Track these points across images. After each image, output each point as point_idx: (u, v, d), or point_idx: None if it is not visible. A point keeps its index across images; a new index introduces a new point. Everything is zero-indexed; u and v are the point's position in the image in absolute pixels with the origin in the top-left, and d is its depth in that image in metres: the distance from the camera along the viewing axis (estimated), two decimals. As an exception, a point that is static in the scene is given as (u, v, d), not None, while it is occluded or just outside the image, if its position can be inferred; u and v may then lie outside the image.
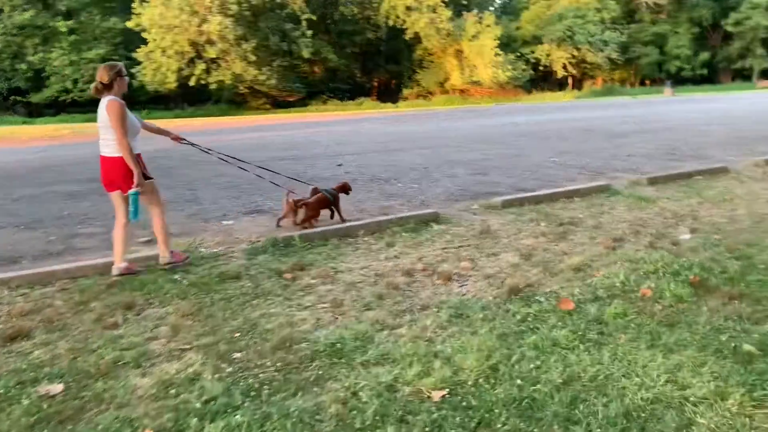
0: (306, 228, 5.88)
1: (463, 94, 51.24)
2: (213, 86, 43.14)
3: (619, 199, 7.03)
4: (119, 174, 4.63)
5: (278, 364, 3.16)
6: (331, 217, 6.37)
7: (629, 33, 58.06)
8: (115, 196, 4.75)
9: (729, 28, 60.04)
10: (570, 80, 58.27)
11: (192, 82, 42.47)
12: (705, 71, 61.03)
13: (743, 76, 62.89)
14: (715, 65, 63.10)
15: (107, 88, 4.59)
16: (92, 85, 4.64)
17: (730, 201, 6.70)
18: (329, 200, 6.27)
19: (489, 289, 4.22)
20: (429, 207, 7.03)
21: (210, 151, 5.88)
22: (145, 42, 41.65)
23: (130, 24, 41.33)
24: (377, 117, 31.47)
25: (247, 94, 45.29)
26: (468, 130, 18.49)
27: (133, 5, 41.42)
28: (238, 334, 3.57)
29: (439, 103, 47.96)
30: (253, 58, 42.32)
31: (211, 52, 41.91)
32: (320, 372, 3.06)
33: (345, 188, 6.53)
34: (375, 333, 3.49)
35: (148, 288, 4.46)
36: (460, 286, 4.31)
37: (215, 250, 5.44)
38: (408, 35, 49.99)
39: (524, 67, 53.29)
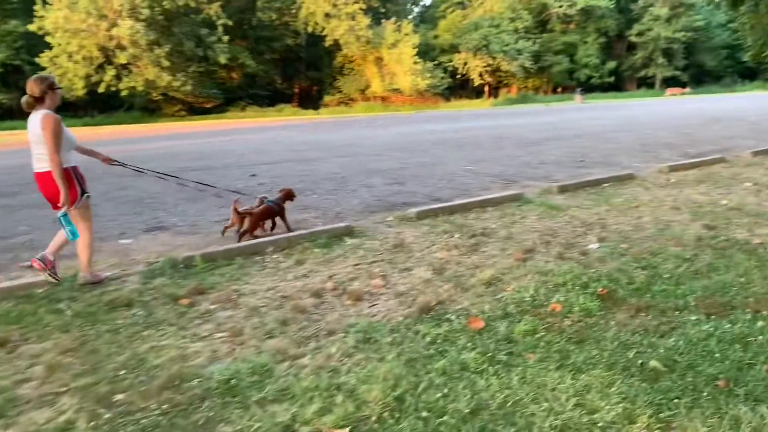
0: (248, 239, 5.79)
1: (384, 101, 51.51)
2: (124, 93, 41.39)
3: (530, 208, 7.06)
4: (51, 190, 4.51)
5: (164, 407, 2.86)
6: (272, 228, 6.27)
7: (541, 42, 60.22)
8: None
9: (633, 39, 63.43)
10: (486, 88, 59.68)
11: (101, 89, 40.60)
12: (612, 79, 64.06)
13: (647, 83, 66.45)
14: (621, 74, 66.38)
15: (39, 101, 4.49)
16: (23, 99, 4.50)
17: (636, 208, 6.84)
18: (274, 210, 6.24)
19: (400, 308, 4.05)
20: (344, 220, 6.83)
21: (142, 170, 5.80)
22: (49, 46, 39.46)
23: (32, 27, 39.04)
24: (297, 124, 31.05)
25: (161, 100, 43.72)
26: (387, 138, 18.45)
27: (35, 8, 39.15)
28: (122, 372, 3.23)
29: (360, 110, 47.98)
30: (166, 63, 40.91)
31: (122, 58, 40.21)
32: (211, 414, 2.78)
33: (289, 195, 6.49)
34: (275, 365, 3.23)
35: (27, 320, 4.02)
36: (371, 306, 4.12)
37: (108, 274, 5.02)
38: (328, 42, 49.80)
39: (442, 75, 54.15)
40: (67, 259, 5.28)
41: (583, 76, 62.33)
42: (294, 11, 50.33)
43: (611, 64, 63.44)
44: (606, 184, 8.47)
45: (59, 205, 4.49)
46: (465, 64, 56.15)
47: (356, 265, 5.04)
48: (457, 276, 4.66)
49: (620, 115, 26.82)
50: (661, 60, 62.93)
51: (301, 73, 55.48)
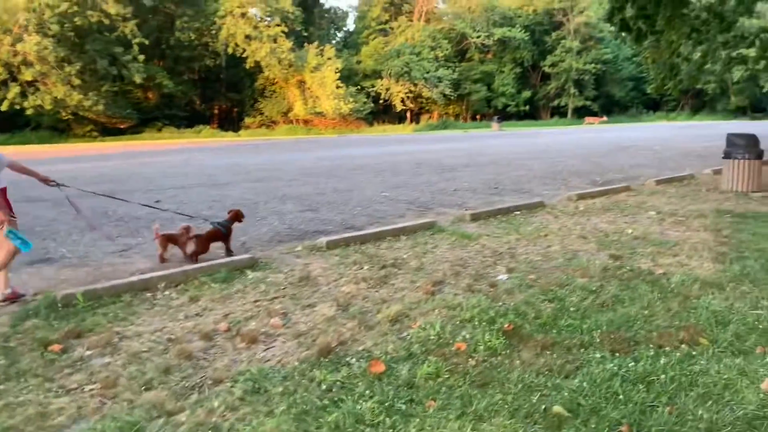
0: (195, 262, 5.76)
1: (307, 124, 51.17)
2: (30, 111, 39.11)
3: (443, 236, 6.96)
4: None
5: (7, 482, 2.45)
6: (226, 252, 6.22)
7: (461, 71, 61.76)
8: None
9: (546, 69, 66.06)
10: (408, 114, 60.45)
11: (4, 107, 38.19)
12: (527, 108, 66.37)
13: (560, 112, 69.25)
14: (536, 102, 68.90)
15: None
16: None
17: (545, 237, 6.86)
18: (222, 233, 6.24)
19: (297, 350, 3.76)
20: (249, 250, 6.48)
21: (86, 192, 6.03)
22: (-54, 60, 36.91)
23: (-74, 39, 36.42)
24: (215, 146, 30.23)
25: (71, 120, 41.59)
26: (306, 162, 18.16)
27: (-70, 18, 36.59)
28: (-36, 439, 2.78)
29: (282, 132, 47.42)
30: (77, 81, 39.03)
31: (27, 74, 38.04)
32: (62, 489, 2.40)
33: (237, 217, 6.50)
34: (148, 423, 2.87)
35: None
36: (266, 349, 3.81)
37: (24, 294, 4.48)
38: (249, 64, 49.06)
39: (365, 99, 54.39)
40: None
41: (500, 104, 64.19)
42: (214, 32, 49.40)
43: (526, 94, 65.70)
44: (517, 212, 8.52)
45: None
46: (387, 89, 56.70)
47: (256, 301, 4.72)
48: (363, 312, 4.43)
49: (534, 142, 27.65)
50: (573, 90, 65.77)
51: (221, 94, 54.36)
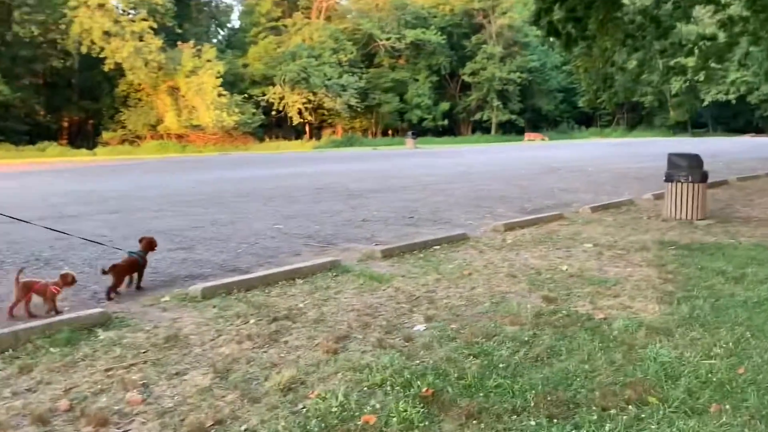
0: (111, 298, 6.18)
1: (182, 140, 50.20)
2: None
3: (349, 278, 6.88)
4: None
5: None
6: (137, 285, 6.66)
7: (369, 78, 62.76)
8: None
9: (466, 78, 68.34)
10: (307, 128, 60.67)
11: None
12: (445, 122, 68.21)
13: (482, 128, 71.67)
14: (456, 116, 71.07)
15: None
16: None
17: (469, 276, 6.92)
18: (139, 263, 6.67)
19: (160, 434, 3.51)
20: (100, 302, 6.11)
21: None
22: None
23: None
24: (64, 168, 28.92)
25: None
26: (179, 187, 17.66)
27: None
28: None
29: (150, 150, 46.15)
30: None
31: None
32: None
33: (152, 245, 6.90)
34: None
35: None
36: (119, 434, 3.53)
37: None
38: (108, 66, 47.65)
39: (254, 110, 54.15)
40: None
41: (415, 118, 65.75)
42: (63, 26, 47.66)
43: (444, 106, 67.69)
44: (436, 247, 8.59)
45: None
46: (281, 99, 56.69)
47: (108, 370, 4.40)
48: (247, 380, 4.23)
49: (454, 162, 28.33)
50: (496, 102, 68.41)
51: (72, 103, 52.37)
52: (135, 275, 6.71)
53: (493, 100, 68.35)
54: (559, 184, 17.30)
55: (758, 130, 74.45)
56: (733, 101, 65.14)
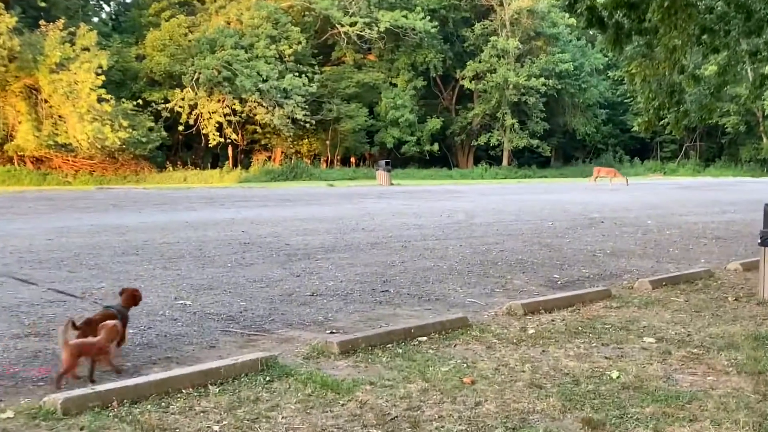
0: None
1: (42, 165, 49.87)
2: None
3: (289, 386, 6.73)
4: None
5: None
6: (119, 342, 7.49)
7: (323, 80, 62.82)
8: None
9: (467, 84, 69.09)
10: (231, 151, 60.56)
11: None
12: (436, 147, 68.33)
13: (490, 156, 72.17)
14: (450, 139, 71.48)
15: None
16: None
17: (472, 386, 6.78)
18: (118, 318, 7.50)
19: None
20: None
21: None
22: None
23: None
24: None
25: None
26: (33, 238, 17.39)
27: None
28: None
29: (-9, 180, 45.80)
30: None
31: None
32: None
33: (135, 299, 7.99)
34: None
35: None
36: None
37: None
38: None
39: (151, 124, 53.79)
40: None
41: (391, 140, 65.91)
42: None
43: (435, 123, 67.88)
44: (422, 338, 8.47)
45: None
46: (193, 108, 56.46)
47: None
48: None
49: (448, 208, 28.31)
50: (510, 120, 68.78)
51: None
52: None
53: (505, 116, 68.81)
54: (604, 245, 17.28)
55: None
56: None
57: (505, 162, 71.52)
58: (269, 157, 62.40)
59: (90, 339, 7.06)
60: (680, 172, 75.95)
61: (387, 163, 51.79)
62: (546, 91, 68.30)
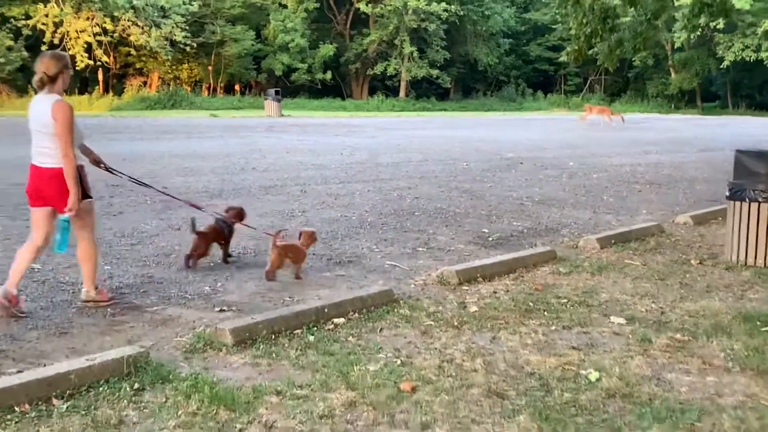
0: (191, 267, 9.15)
1: None
2: None
3: (165, 400, 5.46)
4: (56, 189, 7.05)
5: None
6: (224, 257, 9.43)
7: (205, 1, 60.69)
8: (40, 214, 7.25)
9: (363, 8, 67.36)
10: (101, 75, 58.16)
11: None
12: (329, 76, 66.88)
13: (387, 87, 70.99)
14: (345, 67, 69.95)
15: (51, 81, 7.06)
16: (35, 78, 7.03)
17: (412, 398, 5.52)
18: (223, 233, 9.31)
19: None
20: None
21: (139, 182, 9.22)
22: None
23: None
24: None
25: None
26: None
27: None
28: None
29: None
30: None
31: None
32: None
33: (240, 215, 9.52)
34: None
35: None
36: None
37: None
38: None
39: (11, 43, 51.45)
40: None
41: (280, 68, 64.51)
42: None
43: (328, 50, 66.31)
44: (339, 319, 7.28)
45: (66, 209, 6.98)
46: (58, 25, 53.94)
47: None
48: None
49: (350, 144, 27.18)
50: (409, 48, 67.57)
51: None
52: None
53: (404, 44, 67.73)
54: (530, 191, 16.49)
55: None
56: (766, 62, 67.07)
57: (402, 93, 70.53)
58: (145, 83, 60.16)
59: (294, 242, 8.85)
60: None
61: (277, 92, 50.46)
62: (448, 17, 67.33)
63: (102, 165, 7.87)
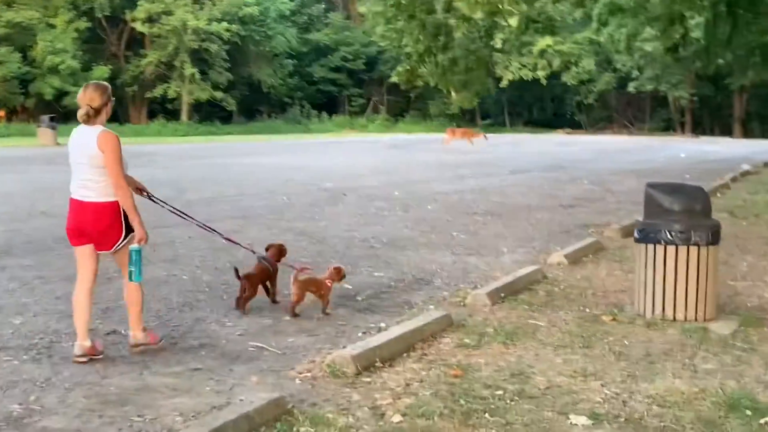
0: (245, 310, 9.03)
1: None
2: None
3: None
4: (101, 224, 7.08)
5: None
6: (271, 297, 9.34)
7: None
8: (84, 252, 7.25)
9: (138, 28, 65.39)
10: None
11: None
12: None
13: (167, 110, 68.79)
14: (122, 90, 67.13)
15: (97, 113, 7.04)
16: (82, 112, 6.99)
17: None
18: (269, 272, 9.32)
19: None
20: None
21: (185, 216, 9.22)
22: None
23: None
24: None
25: None
26: None
27: None
28: None
29: None
30: None
31: None
32: None
33: (281, 252, 9.62)
34: None
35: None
36: None
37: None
38: None
39: None
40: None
41: (50, 92, 61.96)
42: None
43: (102, 71, 63.44)
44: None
45: (137, 240, 7.09)
46: None
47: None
48: None
49: (146, 178, 24.50)
50: (190, 70, 65.84)
51: None
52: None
53: (184, 65, 66.07)
54: (372, 230, 15.04)
55: (573, 125, 79.63)
56: (544, 81, 69.41)
57: (184, 117, 68.74)
58: None
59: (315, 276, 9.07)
60: (370, 128, 75.89)
61: (52, 119, 47.55)
62: (229, 38, 66.92)
63: (145, 193, 7.95)
